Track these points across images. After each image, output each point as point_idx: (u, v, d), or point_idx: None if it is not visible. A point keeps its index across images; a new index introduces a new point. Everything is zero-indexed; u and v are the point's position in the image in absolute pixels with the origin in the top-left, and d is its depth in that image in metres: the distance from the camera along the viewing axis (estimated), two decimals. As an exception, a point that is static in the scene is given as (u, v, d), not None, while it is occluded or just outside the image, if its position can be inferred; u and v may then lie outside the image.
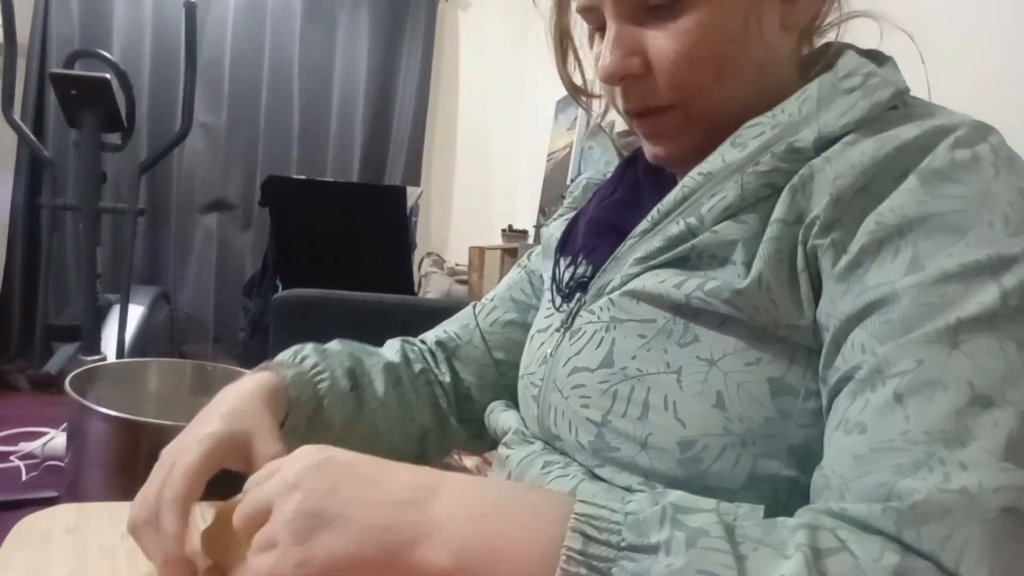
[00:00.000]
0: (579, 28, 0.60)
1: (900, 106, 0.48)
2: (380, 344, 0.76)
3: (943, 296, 0.39)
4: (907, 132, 0.45)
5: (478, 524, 0.39)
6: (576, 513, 0.38)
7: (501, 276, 2.78)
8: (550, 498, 0.41)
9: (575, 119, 3.15)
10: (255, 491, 0.43)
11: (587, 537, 0.37)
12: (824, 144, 0.47)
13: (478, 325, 0.76)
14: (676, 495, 0.39)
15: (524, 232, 3.14)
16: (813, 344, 0.46)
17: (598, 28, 0.56)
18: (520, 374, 0.65)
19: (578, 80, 0.65)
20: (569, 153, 3.13)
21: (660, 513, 0.37)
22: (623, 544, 0.36)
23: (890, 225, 0.42)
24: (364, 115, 3.73)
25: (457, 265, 3.52)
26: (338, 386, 0.66)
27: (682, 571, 0.35)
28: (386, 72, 3.75)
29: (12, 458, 2.12)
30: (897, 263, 0.41)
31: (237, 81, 3.50)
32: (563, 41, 0.62)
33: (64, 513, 0.55)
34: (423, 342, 0.77)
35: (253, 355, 2.98)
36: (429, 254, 3.56)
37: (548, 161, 3.40)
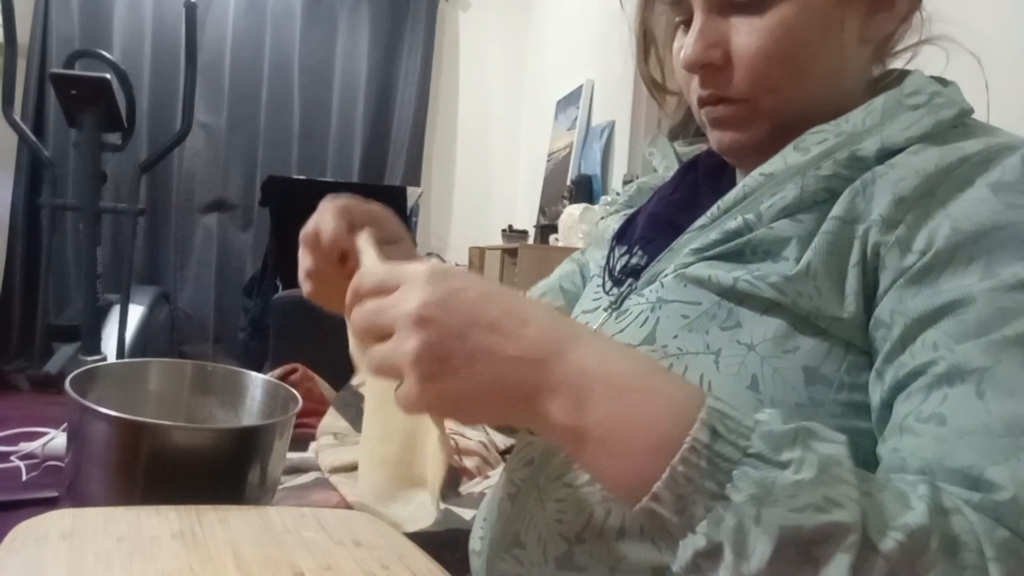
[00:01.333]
0: (660, 26, 0.63)
1: (960, 126, 0.50)
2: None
3: (1017, 302, 0.41)
4: (971, 146, 0.47)
5: (606, 391, 0.39)
6: (709, 406, 0.37)
7: (501, 276, 2.77)
8: (685, 387, 0.40)
9: (575, 119, 3.15)
10: (375, 306, 0.42)
11: (715, 433, 0.36)
12: (886, 155, 0.49)
13: None
14: (808, 422, 0.39)
15: (524, 232, 3.14)
16: (853, 338, 0.47)
17: (684, 21, 0.57)
18: None
19: (658, 76, 0.66)
20: (569, 153, 3.13)
21: (793, 433, 0.37)
22: (750, 451, 0.36)
23: (966, 232, 0.44)
24: (364, 115, 3.73)
25: (457, 265, 3.52)
26: None
27: (810, 491, 0.35)
28: (386, 72, 3.75)
29: (12, 458, 2.12)
30: (972, 269, 0.43)
31: (237, 81, 3.50)
32: (646, 38, 0.64)
33: (59, 519, 0.54)
34: None
35: (253, 355, 2.98)
36: (429, 254, 3.56)
37: (548, 161, 3.40)
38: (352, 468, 1.63)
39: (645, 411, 0.38)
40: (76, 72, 2.42)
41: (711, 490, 0.36)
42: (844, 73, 0.54)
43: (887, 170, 0.48)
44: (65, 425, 1.51)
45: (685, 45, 0.53)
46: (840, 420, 0.46)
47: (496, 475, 1.47)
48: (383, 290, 0.42)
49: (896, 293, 0.45)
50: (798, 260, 0.48)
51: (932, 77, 0.55)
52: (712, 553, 0.36)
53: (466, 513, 1.28)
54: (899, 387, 0.44)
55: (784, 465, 0.36)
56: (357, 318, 0.43)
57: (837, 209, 0.48)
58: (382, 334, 0.41)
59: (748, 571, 0.35)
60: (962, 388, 0.41)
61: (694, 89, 0.56)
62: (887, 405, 0.45)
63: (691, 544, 0.36)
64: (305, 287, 0.59)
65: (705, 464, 0.36)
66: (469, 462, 1.54)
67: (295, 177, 3.38)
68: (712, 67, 0.53)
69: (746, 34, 0.52)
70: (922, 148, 0.48)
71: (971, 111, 0.51)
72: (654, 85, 0.67)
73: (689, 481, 0.36)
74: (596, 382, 0.39)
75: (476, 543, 0.60)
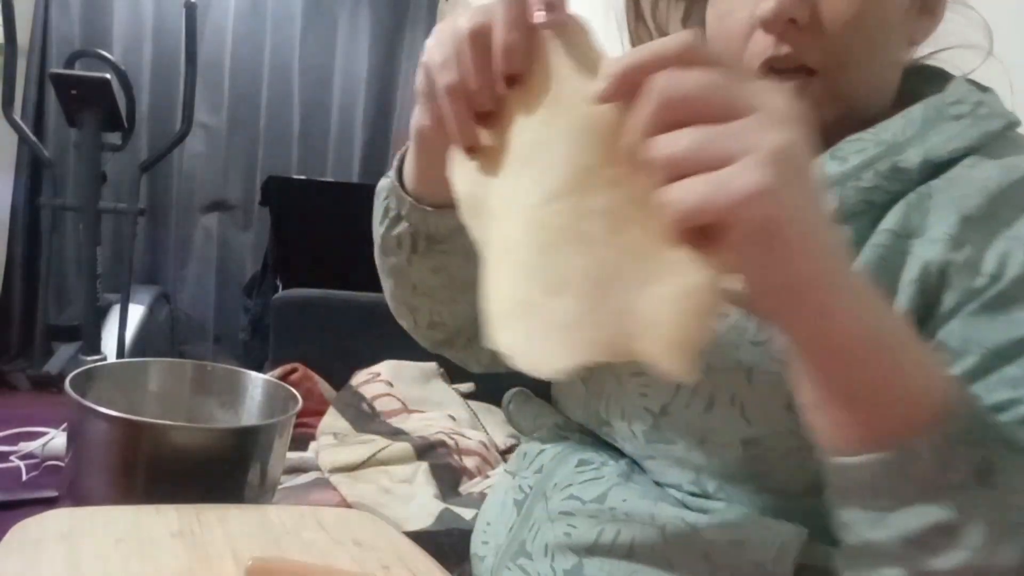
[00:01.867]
0: None
1: (1006, 138, 0.49)
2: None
3: None
4: None
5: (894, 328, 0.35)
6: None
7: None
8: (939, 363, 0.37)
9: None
10: (718, 131, 0.31)
11: (976, 409, 0.34)
12: (931, 167, 0.47)
13: None
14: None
15: (524, 232, 3.13)
16: None
17: None
18: None
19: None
20: (569, 153, 3.12)
21: None
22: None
23: None
24: (364, 115, 3.72)
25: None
26: None
27: None
28: (386, 72, 3.75)
29: (12, 458, 2.12)
30: None
31: (237, 81, 3.49)
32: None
33: (56, 519, 0.54)
34: None
35: (253, 355, 2.98)
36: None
37: (548, 161, 3.39)
38: (352, 468, 1.63)
39: (922, 359, 0.35)
40: (76, 72, 2.42)
41: (977, 463, 0.33)
42: (898, 68, 0.52)
43: (946, 185, 0.46)
44: (65, 425, 1.51)
45: None
46: None
47: (496, 475, 1.47)
48: (726, 110, 0.31)
49: (968, 319, 0.43)
50: None
51: (968, 80, 0.53)
52: (954, 530, 0.33)
53: (466, 513, 1.28)
54: None
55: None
56: (681, 141, 0.31)
57: (889, 222, 0.46)
58: (702, 161, 0.31)
59: (993, 562, 0.32)
60: None
61: (758, 51, 0.50)
62: None
63: (929, 514, 0.33)
64: (434, 114, 0.44)
65: (974, 432, 0.33)
66: (469, 462, 1.54)
67: (295, 177, 3.38)
68: (795, 25, 0.48)
69: None
70: (978, 161, 0.46)
71: (1018, 123, 0.50)
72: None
73: (954, 445, 0.33)
74: (887, 317, 0.35)
75: (479, 548, 0.59)
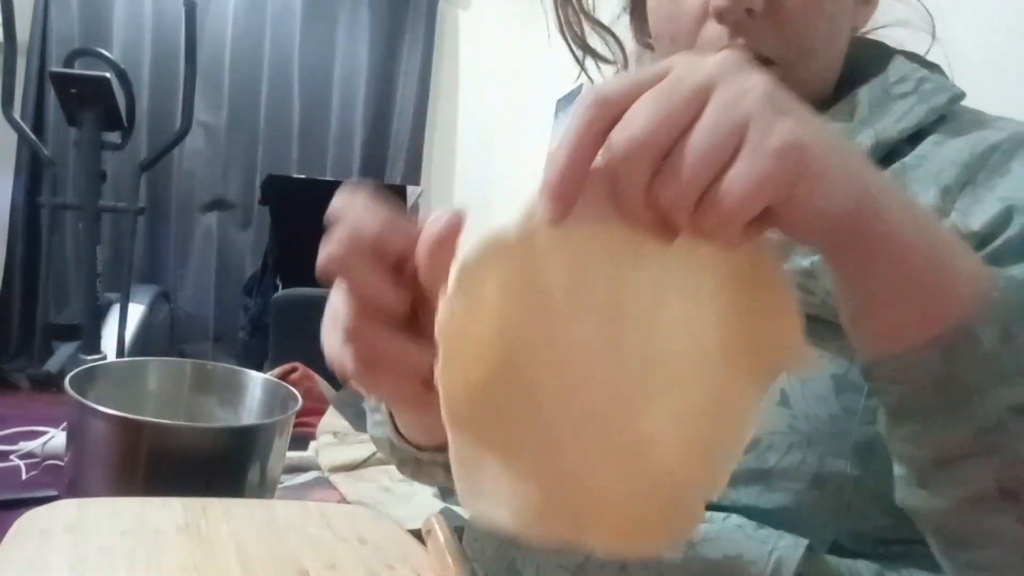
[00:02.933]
0: None
1: (953, 113, 0.49)
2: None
3: None
4: (993, 135, 0.46)
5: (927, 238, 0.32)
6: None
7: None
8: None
9: (575, 119, 3.14)
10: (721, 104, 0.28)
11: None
12: (883, 148, 0.47)
13: None
14: None
15: (524, 232, 3.13)
16: None
17: None
18: None
19: (579, 31, 0.60)
20: (569, 153, 3.12)
21: None
22: None
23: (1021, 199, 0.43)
24: (364, 114, 3.72)
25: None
26: None
27: None
28: (386, 71, 3.75)
29: (12, 457, 2.12)
30: None
31: (237, 80, 3.49)
32: None
33: (64, 510, 0.54)
34: None
35: (253, 354, 2.98)
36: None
37: (548, 161, 3.39)
38: (352, 467, 1.63)
39: (960, 248, 0.33)
40: (76, 71, 2.42)
41: None
42: (843, 54, 0.52)
43: (918, 162, 0.46)
44: (65, 424, 1.51)
45: None
46: (874, 427, 0.43)
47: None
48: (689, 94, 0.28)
49: None
50: (809, 256, 0.46)
51: (913, 56, 0.53)
52: None
53: (466, 512, 1.28)
54: None
55: None
56: (684, 163, 0.28)
57: None
58: (713, 164, 0.28)
59: None
60: None
61: (711, 40, 0.49)
62: None
63: (1004, 398, 0.31)
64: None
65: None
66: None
67: (295, 176, 3.38)
68: (749, 15, 0.47)
69: None
70: (944, 138, 0.47)
71: (962, 95, 0.50)
72: (579, 43, 0.60)
73: (1014, 322, 0.31)
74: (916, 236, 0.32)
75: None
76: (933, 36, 0.57)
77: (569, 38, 0.61)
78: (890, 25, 0.57)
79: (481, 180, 4.03)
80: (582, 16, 0.60)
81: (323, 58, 3.64)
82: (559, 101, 3.51)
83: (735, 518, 0.47)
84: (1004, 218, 0.43)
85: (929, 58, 0.56)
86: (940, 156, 0.46)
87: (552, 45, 0.61)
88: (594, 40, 0.61)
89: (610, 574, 0.47)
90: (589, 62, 0.63)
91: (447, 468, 0.39)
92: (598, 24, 0.61)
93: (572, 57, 0.61)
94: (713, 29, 0.48)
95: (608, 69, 0.61)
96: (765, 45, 0.48)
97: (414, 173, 3.80)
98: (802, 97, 0.43)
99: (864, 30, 0.57)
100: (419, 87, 3.78)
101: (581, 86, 3.23)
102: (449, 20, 3.91)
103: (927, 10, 0.58)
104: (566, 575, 0.48)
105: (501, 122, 4.06)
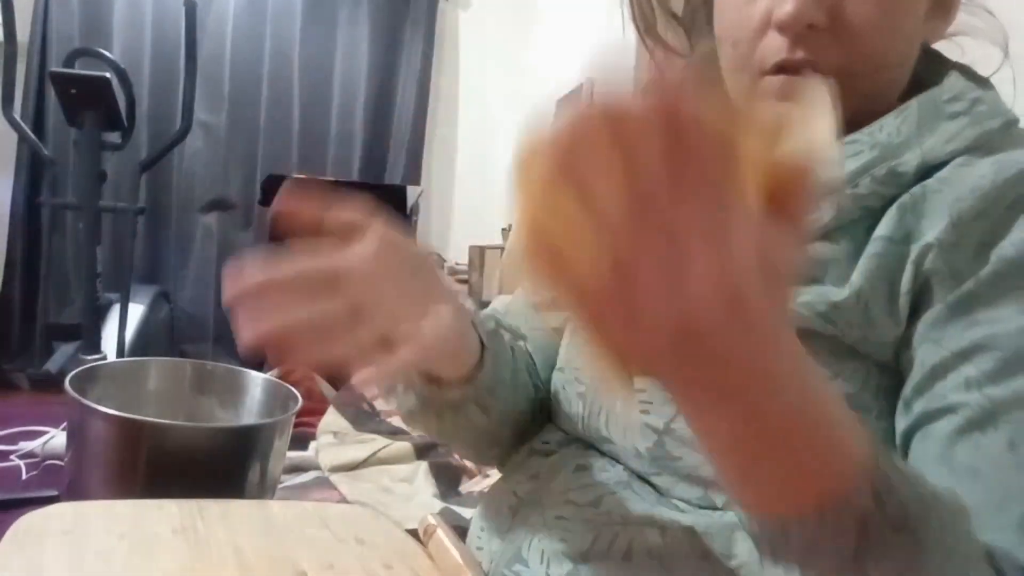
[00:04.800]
0: None
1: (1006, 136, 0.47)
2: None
3: None
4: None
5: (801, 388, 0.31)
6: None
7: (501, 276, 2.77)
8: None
9: (575, 118, 3.14)
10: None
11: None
12: (927, 169, 0.45)
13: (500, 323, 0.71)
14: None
15: (524, 231, 3.13)
16: (887, 360, 0.44)
17: None
18: (558, 366, 0.61)
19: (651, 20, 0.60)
20: (569, 152, 3.12)
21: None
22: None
23: (1009, 260, 0.41)
24: (364, 114, 3.72)
25: (457, 264, 3.51)
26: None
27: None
28: (386, 71, 3.75)
29: (12, 457, 2.12)
30: (1011, 302, 0.40)
31: (237, 80, 3.49)
32: None
33: (60, 513, 0.54)
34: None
35: (253, 354, 2.97)
36: (430, 253, 3.56)
37: (548, 160, 3.39)
38: (352, 467, 1.63)
39: (845, 424, 0.33)
40: (76, 71, 2.42)
41: (894, 520, 0.32)
42: (909, 69, 0.50)
43: (939, 186, 0.44)
44: (65, 424, 1.51)
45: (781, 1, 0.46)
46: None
47: (495, 474, 1.47)
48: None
49: (933, 317, 0.42)
50: (836, 283, 0.44)
51: (967, 71, 0.51)
52: None
53: (466, 512, 1.28)
54: (926, 418, 0.41)
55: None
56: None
57: (884, 228, 0.44)
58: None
59: None
60: (995, 437, 0.38)
61: (772, 51, 0.48)
62: (911, 436, 0.42)
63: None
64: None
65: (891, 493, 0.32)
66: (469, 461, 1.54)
67: (295, 176, 3.38)
68: (812, 29, 0.46)
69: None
70: (971, 160, 0.45)
71: (1016, 120, 0.48)
72: (651, 34, 0.60)
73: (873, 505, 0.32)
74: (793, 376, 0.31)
75: (474, 553, 0.58)
76: (1006, 53, 0.54)
77: (641, 28, 0.61)
78: (960, 35, 0.54)
79: (481, 180, 4.03)
80: (656, 6, 0.60)
81: (323, 58, 3.64)
82: (559, 101, 3.51)
83: (734, 515, 0.47)
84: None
85: (998, 76, 0.53)
86: (961, 181, 0.44)
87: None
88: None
89: (614, 560, 0.47)
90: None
91: (479, 404, 0.52)
92: (672, 16, 0.60)
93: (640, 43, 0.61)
94: (774, 39, 0.48)
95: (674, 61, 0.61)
96: (827, 57, 0.47)
97: (414, 173, 3.80)
98: (863, 109, 0.42)
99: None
100: (419, 87, 3.78)
101: (580, 87, 3.22)
102: (449, 20, 3.91)
103: (1003, 26, 0.55)
104: (571, 562, 0.48)
105: (501, 122, 4.07)
